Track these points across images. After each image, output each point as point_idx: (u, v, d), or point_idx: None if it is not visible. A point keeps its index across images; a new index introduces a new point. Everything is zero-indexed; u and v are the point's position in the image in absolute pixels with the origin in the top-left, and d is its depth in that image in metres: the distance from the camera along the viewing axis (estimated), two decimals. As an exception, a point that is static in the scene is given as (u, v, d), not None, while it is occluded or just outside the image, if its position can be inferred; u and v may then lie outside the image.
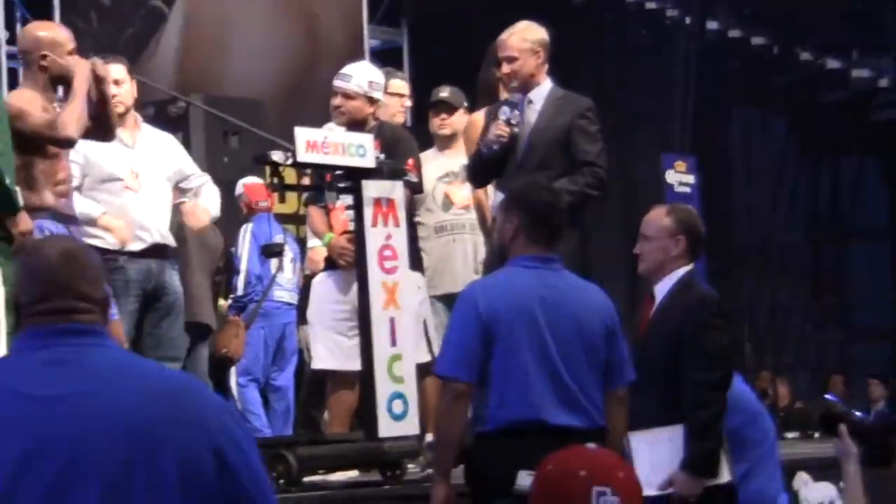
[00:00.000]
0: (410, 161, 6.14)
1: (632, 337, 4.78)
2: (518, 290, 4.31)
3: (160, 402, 2.50)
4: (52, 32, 5.64)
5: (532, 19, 6.18)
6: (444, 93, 6.98)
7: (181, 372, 2.53)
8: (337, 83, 6.25)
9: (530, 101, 5.99)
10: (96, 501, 2.41)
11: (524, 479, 3.27)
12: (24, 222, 4.88)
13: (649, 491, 4.50)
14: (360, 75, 6.27)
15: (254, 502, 2.52)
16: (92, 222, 6.02)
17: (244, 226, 8.63)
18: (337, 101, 6.22)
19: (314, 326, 6.26)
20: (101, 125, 5.69)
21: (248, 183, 8.65)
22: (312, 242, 6.65)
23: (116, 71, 6.18)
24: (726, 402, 4.64)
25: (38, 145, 5.41)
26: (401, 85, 6.93)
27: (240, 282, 8.46)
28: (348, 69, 6.32)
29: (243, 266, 8.48)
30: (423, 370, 5.81)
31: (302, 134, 5.63)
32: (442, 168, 6.81)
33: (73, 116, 5.35)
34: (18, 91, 5.69)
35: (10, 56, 9.44)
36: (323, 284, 6.25)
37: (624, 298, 5.25)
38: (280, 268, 8.05)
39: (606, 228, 10.19)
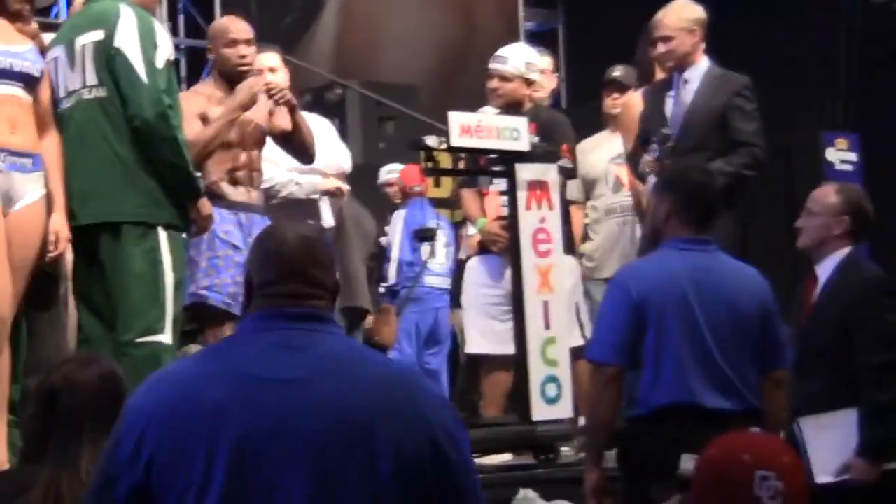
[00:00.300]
0: (565, 146, 6.13)
1: (795, 320, 4.71)
2: (670, 272, 4.27)
3: (381, 392, 2.54)
4: (219, 24, 5.73)
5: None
6: (617, 72, 6.95)
7: (404, 364, 2.59)
8: (493, 66, 6.26)
9: (686, 81, 5.90)
10: (310, 486, 2.46)
11: (687, 462, 3.25)
12: (206, 207, 4.97)
13: (825, 478, 4.45)
14: (517, 56, 6.27)
15: (466, 497, 2.56)
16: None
17: (396, 212, 8.69)
18: (493, 83, 6.23)
19: (468, 311, 6.30)
20: (299, 151, 5.83)
21: (402, 168, 8.71)
22: (473, 229, 6.67)
23: (270, 59, 6.25)
24: None
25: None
26: (544, 62, 6.86)
27: (391, 270, 8.53)
28: (504, 51, 6.33)
29: (394, 254, 8.54)
30: (576, 354, 5.80)
31: (456, 118, 5.65)
32: (614, 149, 6.75)
33: (198, 139, 5.36)
34: (194, 88, 5.82)
35: (175, 47, 9.64)
36: (476, 269, 6.28)
37: (784, 282, 5.15)
38: (432, 253, 8.09)
39: (765, 210, 10.03)
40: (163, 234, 4.88)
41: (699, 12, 5.97)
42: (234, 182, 5.61)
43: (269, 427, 2.48)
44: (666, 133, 5.79)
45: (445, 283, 8.49)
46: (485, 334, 6.16)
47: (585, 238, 6.89)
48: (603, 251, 6.72)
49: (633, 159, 6.06)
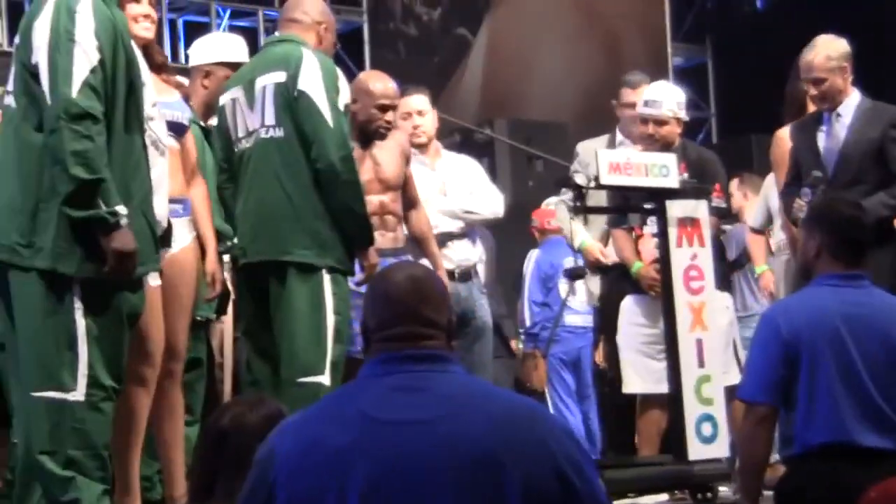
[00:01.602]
0: (717, 186, 6.11)
1: None
2: (820, 308, 4.22)
3: (506, 429, 2.55)
4: (370, 82, 5.76)
5: (837, 29, 6.09)
6: None
7: (527, 398, 2.66)
8: (647, 111, 6.23)
9: (838, 115, 5.88)
10: None
11: None
12: (373, 256, 5.04)
13: None
14: (669, 98, 6.26)
15: None
16: None
17: (529, 252, 8.64)
18: (649, 129, 6.19)
19: (623, 350, 6.29)
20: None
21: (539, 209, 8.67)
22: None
23: (419, 102, 6.34)
24: None
25: None
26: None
27: (525, 312, 8.51)
28: (654, 94, 6.29)
29: (525, 295, 8.52)
30: (732, 392, 5.77)
31: (605, 155, 5.69)
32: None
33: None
34: None
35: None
36: (630, 308, 6.29)
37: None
38: (572, 291, 8.06)
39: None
40: (327, 277, 4.96)
41: (845, 46, 5.93)
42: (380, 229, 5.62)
43: (396, 470, 2.51)
44: (817, 176, 5.76)
45: (587, 321, 8.46)
46: (640, 373, 6.15)
47: None
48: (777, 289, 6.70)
49: (785, 197, 6.04)
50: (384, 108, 5.72)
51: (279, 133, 5.00)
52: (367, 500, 2.51)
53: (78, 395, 4.01)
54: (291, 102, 4.95)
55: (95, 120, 3.97)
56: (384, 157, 5.75)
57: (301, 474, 2.55)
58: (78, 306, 4.01)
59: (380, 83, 5.76)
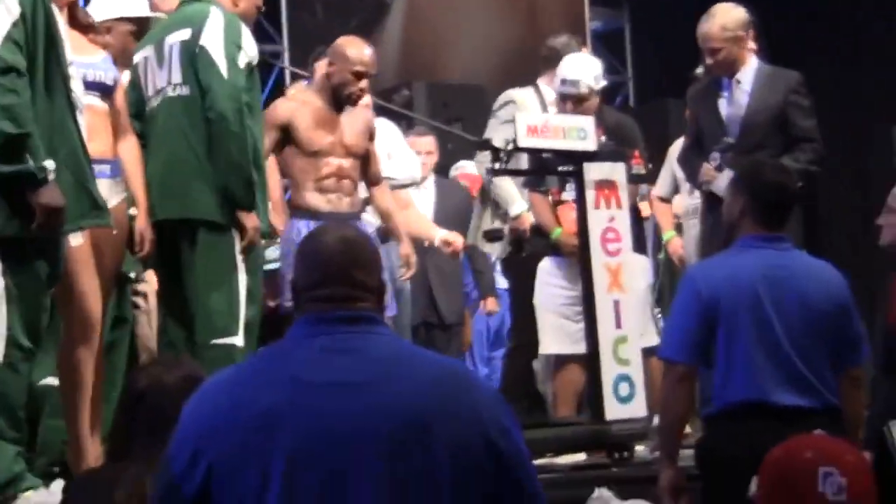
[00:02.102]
0: (636, 153, 6.15)
1: (881, 318, 4.62)
2: (740, 270, 4.26)
3: (435, 393, 2.57)
4: (350, 47, 5.77)
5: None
6: None
7: (454, 361, 2.68)
8: (564, 90, 6.23)
9: (738, 82, 5.94)
10: (371, 489, 2.50)
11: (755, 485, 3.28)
12: (252, 219, 4.99)
13: None
14: (587, 74, 6.26)
15: (523, 489, 2.60)
16: None
17: None
18: (569, 107, 6.20)
19: (541, 312, 6.33)
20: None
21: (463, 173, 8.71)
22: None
23: None
24: None
25: (295, 143, 5.63)
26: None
27: None
28: (571, 73, 6.26)
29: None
30: (649, 353, 5.84)
31: (522, 119, 5.72)
32: None
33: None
34: (303, 89, 5.89)
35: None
36: (548, 270, 6.33)
37: (860, 282, 5.13)
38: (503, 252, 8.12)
39: (840, 209, 9.99)
40: (236, 237, 4.97)
41: (742, 14, 5.96)
42: (321, 191, 5.67)
43: (326, 432, 2.52)
44: (728, 141, 5.83)
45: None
46: (558, 335, 6.21)
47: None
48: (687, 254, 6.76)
49: (688, 163, 6.10)
50: (359, 76, 5.71)
51: (185, 91, 5.01)
52: (294, 462, 2.51)
53: (-4, 355, 3.97)
54: (193, 58, 4.95)
55: (20, 74, 3.92)
56: (350, 123, 5.76)
57: (228, 434, 2.54)
58: None
59: (356, 50, 5.77)
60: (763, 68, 5.98)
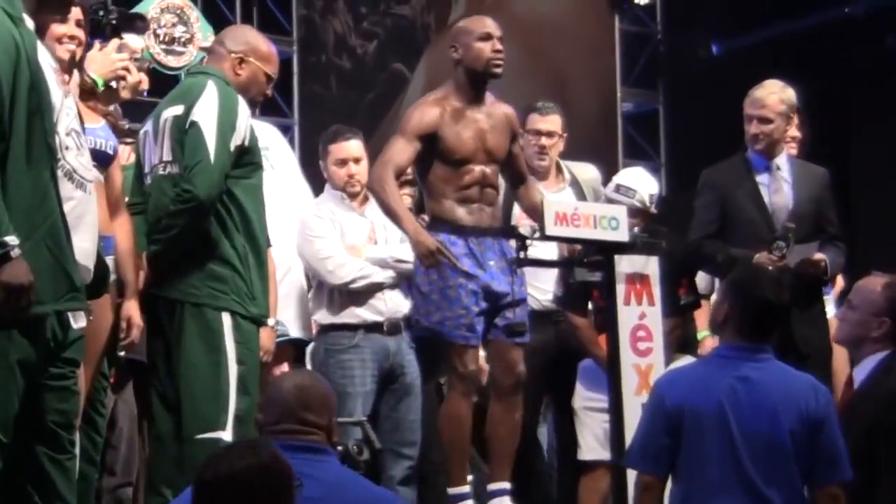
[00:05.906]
0: (684, 280, 6.14)
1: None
2: (706, 382, 4.28)
3: None
4: (467, 20, 5.85)
5: (793, 79, 6.11)
6: None
7: (386, 492, 3.63)
8: (616, 197, 6.23)
9: (778, 168, 5.99)
10: None
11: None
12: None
13: None
14: (643, 188, 6.29)
15: None
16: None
17: None
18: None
19: (581, 415, 6.30)
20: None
21: None
22: None
23: (355, 148, 6.32)
24: None
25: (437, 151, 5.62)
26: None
27: None
28: (629, 181, 6.32)
29: None
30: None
31: (551, 205, 5.59)
32: None
33: (382, 184, 5.58)
34: (431, 97, 5.80)
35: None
36: (593, 369, 6.22)
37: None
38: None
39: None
40: (227, 322, 4.82)
41: (795, 98, 6.04)
42: (464, 201, 5.64)
43: None
44: (790, 226, 5.81)
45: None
46: (600, 440, 6.12)
47: None
48: None
49: (705, 260, 6.09)
50: (489, 37, 5.70)
51: (175, 169, 4.91)
52: None
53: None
54: (183, 135, 4.86)
55: None
56: (492, 126, 5.74)
57: None
58: None
59: (473, 20, 5.83)
60: (794, 160, 6.07)
